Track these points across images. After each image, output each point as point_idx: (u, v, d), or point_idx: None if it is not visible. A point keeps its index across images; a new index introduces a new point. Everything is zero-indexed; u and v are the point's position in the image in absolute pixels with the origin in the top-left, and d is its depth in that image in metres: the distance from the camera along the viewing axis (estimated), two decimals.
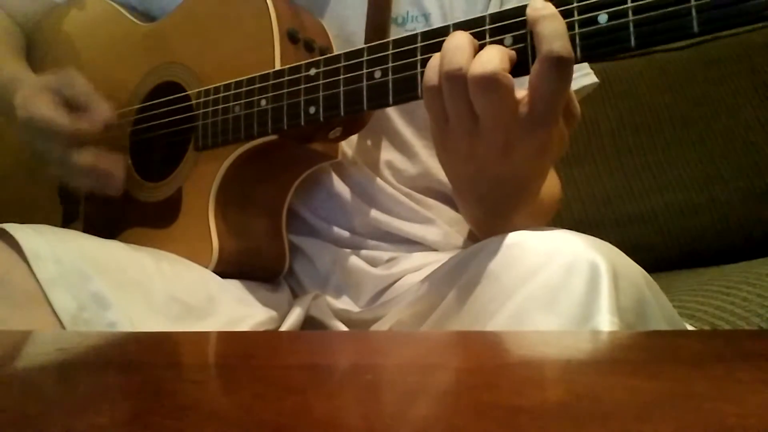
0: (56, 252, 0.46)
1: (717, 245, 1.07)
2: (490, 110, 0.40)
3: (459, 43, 0.40)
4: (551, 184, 0.63)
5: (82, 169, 0.60)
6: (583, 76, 0.67)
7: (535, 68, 0.39)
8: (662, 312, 0.41)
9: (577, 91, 0.66)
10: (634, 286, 0.40)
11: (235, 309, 0.55)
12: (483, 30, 0.43)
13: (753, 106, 1.13)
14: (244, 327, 0.54)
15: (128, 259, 0.52)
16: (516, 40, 0.41)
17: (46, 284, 0.44)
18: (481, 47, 0.41)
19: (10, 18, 0.78)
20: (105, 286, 0.46)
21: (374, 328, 0.57)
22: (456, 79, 0.39)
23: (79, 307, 0.44)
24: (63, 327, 0.44)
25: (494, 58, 0.39)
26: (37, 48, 0.78)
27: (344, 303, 0.62)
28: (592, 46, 0.40)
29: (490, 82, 0.38)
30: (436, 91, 0.41)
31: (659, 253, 1.08)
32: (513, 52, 0.41)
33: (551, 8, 0.39)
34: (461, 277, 0.46)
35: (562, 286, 0.38)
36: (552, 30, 0.39)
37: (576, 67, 0.66)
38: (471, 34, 0.42)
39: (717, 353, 0.29)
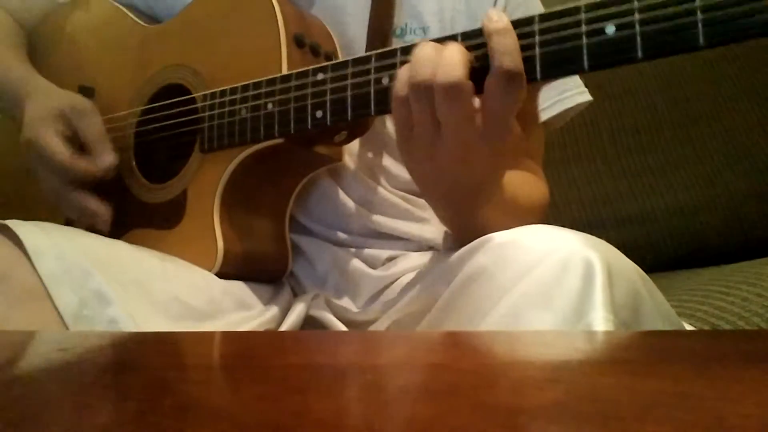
0: (58, 248, 0.46)
1: (717, 245, 1.07)
2: (452, 117, 0.42)
3: (426, 54, 0.42)
4: (528, 185, 0.64)
5: (71, 206, 0.62)
6: (578, 94, 0.68)
7: (488, 81, 0.41)
8: (658, 309, 0.41)
9: (571, 108, 0.67)
10: (629, 282, 0.40)
11: (237, 313, 0.55)
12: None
13: (753, 107, 1.13)
14: (245, 330, 0.54)
15: (131, 258, 0.52)
16: (479, 59, 0.43)
17: (48, 280, 0.44)
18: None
19: (10, 17, 0.78)
20: (106, 284, 0.46)
21: (372, 328, 0.57)
22: (424, 89, 0.42)
23: (80, 303, 0.44)
24: (64, 323, 0.44)
25: (457, 65, 0.41)
26: (40, 47, 0.78)
27: (343, 303, 0.62)
28: (599, 56, 0.40)
29: (454, 90, 0.41)
30: (404, 100, 0.43)
31: (659, 253, 1.08)
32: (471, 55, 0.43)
33: (504, 21, 0.41)
34: (457, 275, 0.46)
35: (556, 283, 0.39)
36: (502, 45, 0.41)
37: (572, 84, 0.68)
38: None
39: (717, 353, 0.29)
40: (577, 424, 0.19)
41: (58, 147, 0.60)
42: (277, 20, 0.57)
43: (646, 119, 1.16)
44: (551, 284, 0.39)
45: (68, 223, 0.70)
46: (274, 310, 0.59)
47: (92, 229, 0.63)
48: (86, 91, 0.70)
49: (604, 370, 0.26)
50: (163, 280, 0.51)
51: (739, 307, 0.68)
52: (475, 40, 0.44)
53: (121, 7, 0.73)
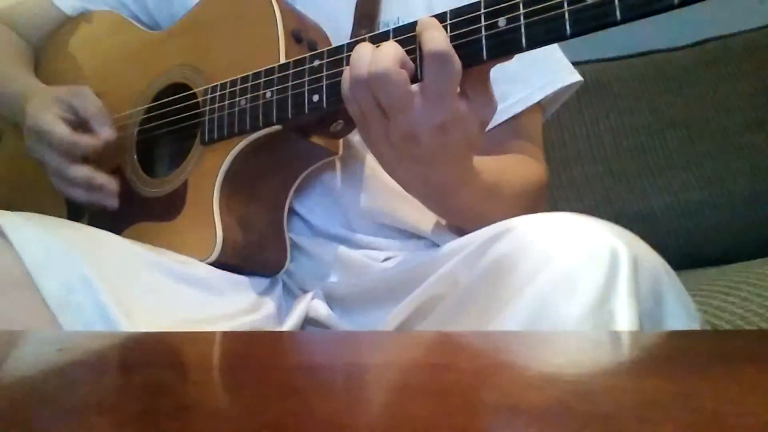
0: (43, 238, 0.47)
1: (717, 245, 1.07)
2: (390, 99, 0.46)
3: (361, 53, 0.47)
4: (516, 167, 0.64)
5: (77, 182, 0.63)
6: (569, 74, 0.69)
7: (424, 65, 0.46)
8: (680, 300, 0.42)
9: (565, 88, 0.69)
10: (654, 272, 0.41)
11: (228, 307, 0.56)
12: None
13: (753, 107, 1.13)
14: (237, 326, 0.54)
15: (117, 249, 0.52)
16: (412, 51, 0.48)
17: (33, 269, 0.45)
18: None
19: (14, 31, 0.80)
20: (92, 271, 0.46)
21: (389, 318, 0.56)
22: (361, 83, 0.47)
23: (67, 290, 0.45)
24: (51, 311, 0.44)
25: (385, 56, 0.46)
26: (47, 60, 0.80)
27: (346, 291, 0.62)
28: (581, 21, 0.41)
29: (382, 76, 0.45)
30: (351, 97, 0.48)
31: (659, 253, 1.08)
32: (407, 57, 0.47)
33: (433, 21, 0.46)
34: (479, 262, 0.47)
35: (582, 271, 0.39)
36: (429, 35, 0.45)
37: (562, 65, 0.69)
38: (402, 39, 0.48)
39: (717, 353, 0.29)
40: (577, 424, 0.19)
41: (58, 125, 0.62)
42: (275, 16, 0.59)
43: (646, 119, 1.16)
44: (577, 272, 0.39)
45: (72, 213, 0.71)
46: (267, 310, 0.59)
47: (99, 212, 0.64)
48: None
49: (604, 370, 0.26)
50: (149, 271, 0.52)
51: (739, 307, 0.68)
52: (409, 34, 0.48)
53: (126, 17, 0.75)
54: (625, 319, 0.37)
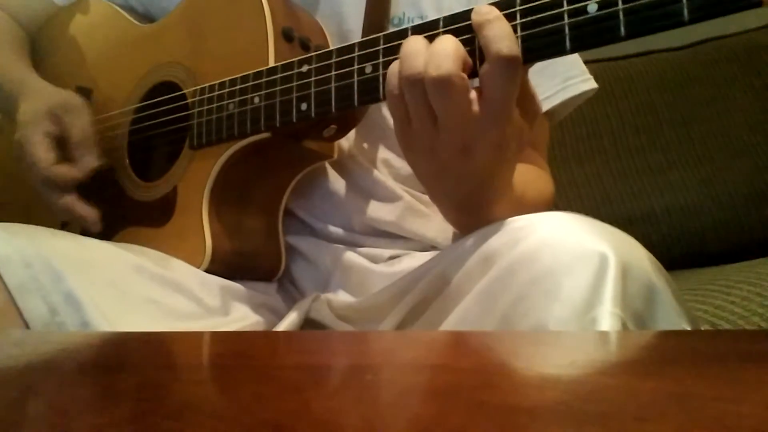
0: (25, 255, 0.44)
1: (717, 245, 1.07)
2: (447, 109, 0.41)
3: (414, 48, 0.42)
4: (536, 179, 0.63)
5: (59, 210, 0.62)
6: (583, 82, 0.67)
7: (484, 70, 0.41)
8: (674, 306, 0.40)
9: (577, 96, 0.66)
10: (645, 278, 0.39)
11: (219, 313, 0.55)
12: (437, 33, 0.44)
13: (753, 107, 1.13)
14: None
15: (105, 258, 0.51)
16: (465, 43, 0.42)
17: (15, 291, 0.43)
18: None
19: (13, 19, 0.79)
20: (77, 286, 0.44)
21: (389, 317, 0.56)
22: (415, 83, 0.41)
23: (50, 312, 0.43)
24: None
25: (448, 58, 0.40)
26: (42, 50, 0.79)
27: (347, 300, 0.62)
28: (582, 36, 0.39)
29: (444, 83, 0.40)
30: (398, 95, 0.43)
31: (659, 253, 1.06)
32: (468, 56, 0.42)
33: (495, 12, 0.41)
34: (469, 258, 0.45)
35: (568, 273, 0.38)
36: (498, 32, 0.40)
37: (576, 71, 0.67)
38: (426, 37, 0.43)
39: (717, 353, 0.29)
40: (577, 424, 0.19)
41: (41, 154, 0.60)
42: (264, 14, 0.57)
43: (646, 119, 1.16)
44: (562, 273, 0.38)
45: (64, 224, 0.70)
46: (259, 317, 0.58)
47: (86, 230, 0.63)
48: (83, 92, 0.70)
49: (604, 370, 0.26)
50: (139, 281, 0.50)
51: (739, 307, 0.68)
52: (458, 24, 0.43)
53: (118, 8, 0.74)
54: (607, 327, 0.36)
